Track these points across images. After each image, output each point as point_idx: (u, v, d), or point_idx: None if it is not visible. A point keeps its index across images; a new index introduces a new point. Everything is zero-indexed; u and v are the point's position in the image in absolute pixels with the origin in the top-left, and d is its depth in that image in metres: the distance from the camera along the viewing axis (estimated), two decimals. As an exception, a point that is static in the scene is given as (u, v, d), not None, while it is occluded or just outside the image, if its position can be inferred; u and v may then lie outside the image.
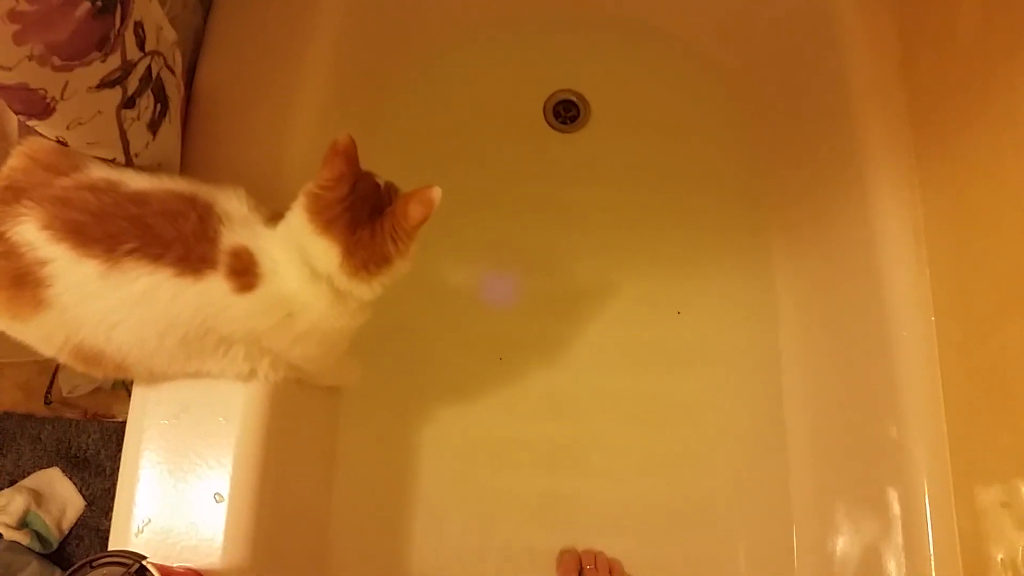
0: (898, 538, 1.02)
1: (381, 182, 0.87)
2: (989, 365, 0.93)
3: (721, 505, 1.29)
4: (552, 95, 1.47)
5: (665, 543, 1.27)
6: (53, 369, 1.43)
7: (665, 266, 1.39)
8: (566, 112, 1.47)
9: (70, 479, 1.38)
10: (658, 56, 1.49)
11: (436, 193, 0.84)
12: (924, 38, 1.08)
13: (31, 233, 0.77)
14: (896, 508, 1.02)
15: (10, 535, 1.30)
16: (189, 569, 0.86)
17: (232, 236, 0.82)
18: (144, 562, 0.72)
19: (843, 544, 1.15)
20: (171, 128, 0.90)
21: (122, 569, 0.72)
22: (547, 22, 1.50)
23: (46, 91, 0.68)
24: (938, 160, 1.04)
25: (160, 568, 0.73)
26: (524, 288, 1.38)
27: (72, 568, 0.72)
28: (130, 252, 0.78)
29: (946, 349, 1.00)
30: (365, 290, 0.86)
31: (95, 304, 0.79)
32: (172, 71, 0.88)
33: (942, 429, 0.99)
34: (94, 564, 0.72)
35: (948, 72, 1.03)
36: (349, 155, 0.83)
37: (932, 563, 0.96)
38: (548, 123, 1.46)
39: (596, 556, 1.23)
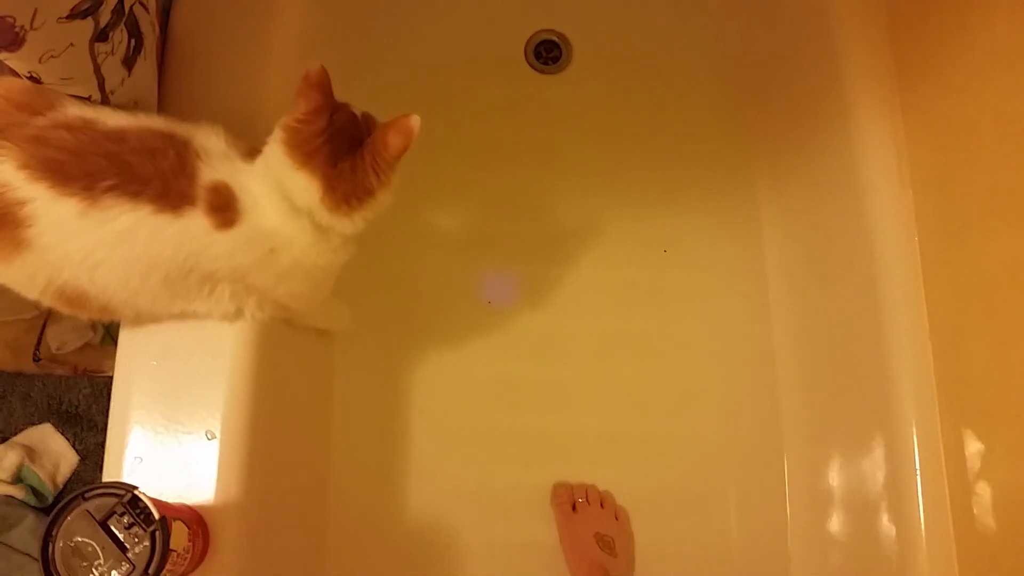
0: (886, 470, 1.03)
1: (358, 112, 0.86)
2: (972, 280, 0.94)
3: (712, 439, 1.31)
4: (533, 35, 1.46)
5: (656, 476, 1.29)
6: (41, 326, 1.42)
7: (650, 205, 1.40)
8: (548, 53, 1.45)
9: (62, 435, 1.39)
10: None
11: (415, 121, 0.83)
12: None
13: (8, 173, 0.76)
14: (883, 438, 1.04)
15: (5, 490, 1.30)
16: (183, 504, 0.87)
17: (210, 172, 0.82)
18: (136, 491, 0.72)
19: (833, 476, 1.17)
20: (146, 65, 0.89)
21: (114, 499, 0.72)
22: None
23: (15, 18, 0.66)
24: (919, 79, 1.04)
25: (153, 500, 0.73)
26: (510, 231, 1.38)
27: (65, 500, 0.73)
28: (109, 189, 0.77)
29: (929, 268, 1.01)
30: (347, 224, 0.86)
31: (76, 243, 0.79)
32: (145, 8, 0.87)
33: (927, 353, 1.00)
34: (86, 496, 0.73)
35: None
36: (323, 86, 0.82)
37: (919, 492, 0.98)
38: (529, 64, 1.45)
39: (588, 489, 1.26)
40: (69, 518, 0.72)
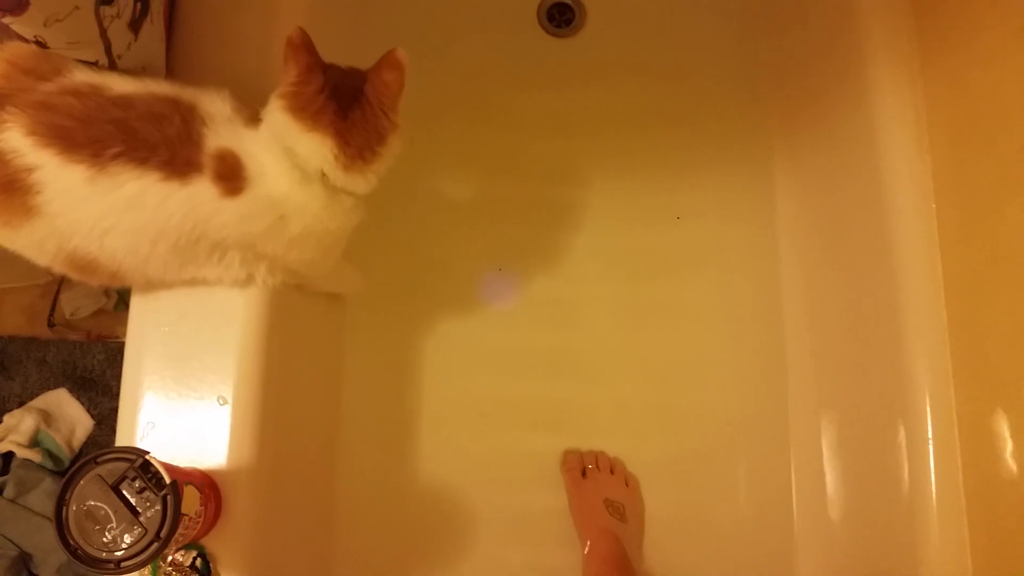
0: (897, 442, 1.02)
1: (345, 68, 0.85)
2: (990, 250, 0.92)
3: (721, 408, 1.30)
4: (546, -3, 1.44)
5: (665, 443, 1.29)
6: (55, 292, 1.43)
7: (664, 172, 1.38)
8: (560, 15, 1.43)
9: (77, 399, 1.40)
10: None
11: (402, 54, 0.83)
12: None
13: (16, 140, 0.76)
14: (895, 410, 1.02)
15: (23, 453, 1.32)
16: (195, 468, 0.87)
17: (216, 139, 0.81)
18: (147, 456, 0.73)
19: (842, 447, 1.17)
20: (153, 29, 0.88)
21: (126, 464, 0.73)
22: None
23: (18, -18, 0.66)
24: (939, 45, 1.01)
25: (165, 465, 0.74)
26: (520, 195, 1.37)
27: (77, 464, 0.73)
28: (116, 156, 0.77)
29: (947, 236, 0.99)
30: (360, 183, 0.86)
31: (85, 210, 0.79)
32: (151, -30, 0.86)
33: (943, 322, 0.98)
34: (98, 460, 0.73)
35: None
36: (308, 46, 0.82)
37: (932, 469, 0.97)
38: (542, 27, 1.43)
39: (598, 456, 1.26)
40: (82, 482, 0.73)
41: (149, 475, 0.73)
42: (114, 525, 0.72)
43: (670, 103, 1.41)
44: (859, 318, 1.12)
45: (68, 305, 1.42)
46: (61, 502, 0.72)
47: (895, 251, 1.02)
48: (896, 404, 1.02)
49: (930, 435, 0.97)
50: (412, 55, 0.84)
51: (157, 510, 0.72)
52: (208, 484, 0.86)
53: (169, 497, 0.72)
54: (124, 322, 1.42)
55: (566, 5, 1.43)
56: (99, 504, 0.72)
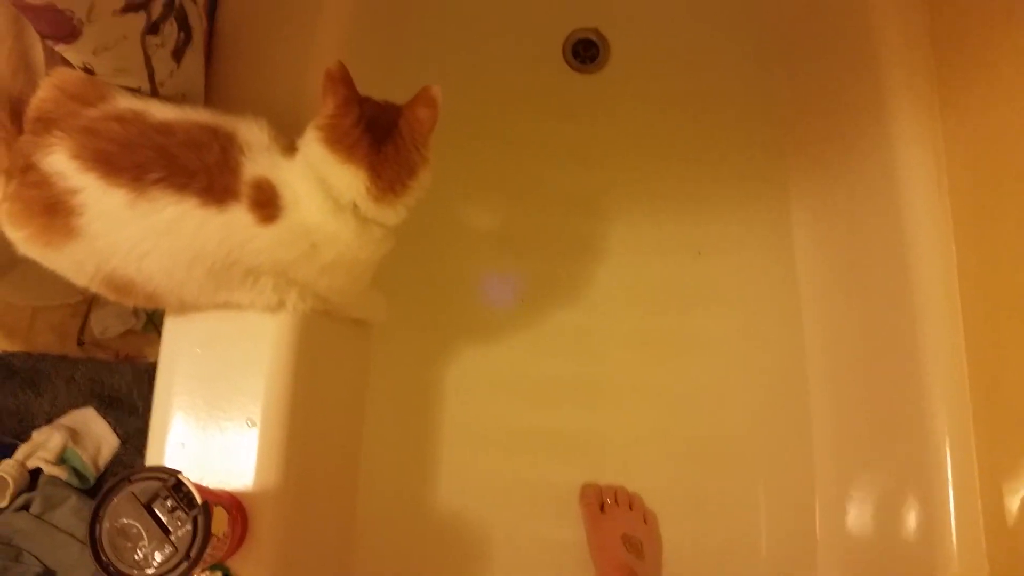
0: (917, 491, 1.02)
1: (380, 101, 0.88)
2: (1010, 292, 0.92)
3: (741, 444, 1.30)
4: (572, 33, 1.46)
5: (685, 480, 1.29)
6: (85, 311, 1.46)
7: (685, 207, 1.39)
8: (585, 51, 1.45)
9: (104, 418, 1.42)
10: (681, -6, 1.46)
11: (436, 91, 0.86)
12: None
13: (62, 163, 0.78)
14: (914, 454, 1.02)
15: (50, 470, 1.33)
16: (223, 490, 0.88)
17: (253, 167, 0.84)
18: (180, 476, 0.74)
19: (863, 483, 1.16)
20: (194, 57, 0.91)
21: (159, 483, 0.74)
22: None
23: (72, 12, 0.68)
24: (960, 84, 1.02)
25: (195, 485, 0.75)
26: (543, 227, 1.39)
27: (112, 482, 0.75)
28: (156, 182, 0.79)
29: (966, 278, 0.99)
30: (390, 214, 0.88)
31: (124, 233, 0.81)
32: (194, 0, 0.89)
33: (962, 367, 0.98)
34: (132, 479, 0.75)
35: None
36: (346, 79, 0.84)
37: (952, 513, 0.97)
38: (567, 62, 1.45)
39: (617, 491, 1.26)
40: (116, 500, 0.74)
41: (181, 495, 0.75)
42: (145, 543, 0.73)
43: (691, 138, 1.43)
44: (878, 358, 1.12)
45: (98, 324, 1.45)
46: (95, 518, 0.74)
47: (914, 293, 1.02)
48: (916, 441, 1.02)
49: (950, 479, 0.97)
50: (443, 84, 0.86)
51: (188, 530, 0.74)
52: (236, 506, 0.87)
53: (200, 517, 0.74)
54: (152, 343, 1.46)
55: (591, 42, 1.45)
56: (132, 522, 0.74)
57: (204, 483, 0.89)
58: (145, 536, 0.73)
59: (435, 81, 0.87)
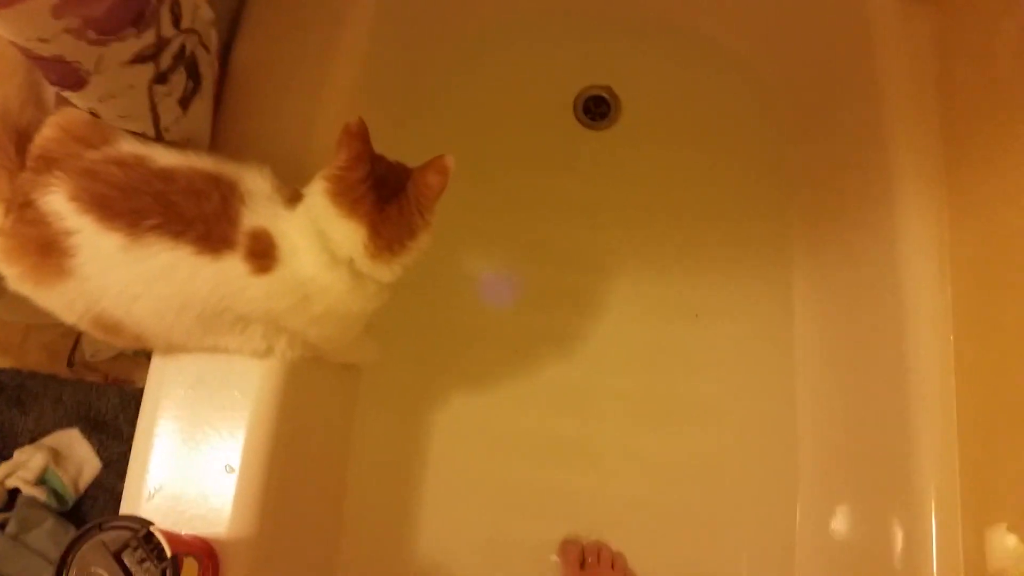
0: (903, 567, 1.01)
1: (393, 161, 0.88)
2: (1006, 388, 0.92)
3: (727, 513, 1.29)
4: (583, 90, 1.47)
5: (669, 544, 1.28)
6: (77, 333, 1.46)
7: (687, 269, 1.39)
8: (596, 108, 1.46)
9: (88, 441, 1.41)
10: (693, 57, 1.47)
11: (450, 161, 0.86)
12: (962, 54, 1.06)
13: (60, 204, 0.79)
14: (901, 543, 1.02)
15: (28, 491, 1.33)
16: (196, 536, 0.88)
17: (253, 217, 0.84)
18: (151, 528, 0.74)
19: (846, 560, 1.15)
20: (202, 104, 0.91)
21: (130, 533, 0.74)
22: (581, 18, 1.49)
23: (80, 63, 0.69)
24: (968, 179, 1.03)
25: (167, 535, 0.75)
26: (544, 282, 1.39)
27: (82, 530, 0.74)
28: (152, 228, 0.79)
29: (963, 371, 0.99)
30: (386, 272, 0.87)
31: (116, 276, 0.81)
32: (207, 49, 0.89)
33: (954, 456, 0.98)
34: (103, 527, 0.74)
35: (984, 91, 1.02)
36: (363, 135, 0.84)
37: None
38: (578, 119, 1.46)
39: (600, 549, 1.25)
40: (84, 547, 0.74)
41: (151, 546, 0.74)
42: (112, 593, 0.73)
43: (697, 202, 1.43)
44: (870, 438, 1.12)
45: (89, 346, 1.45)
46: (63, 565, 0.73)
47: (910, 380, 1.02)
48: (904, 530, 1.01)
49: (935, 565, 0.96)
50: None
51: (155, 583, 0.73)
52: (208, 553, 0.86)
53: (168, 570, 0.73)
54: (141, 367, 1.45)
55: (602, 99, 1.46)
56: (99, 571, 0.73)
57: (178, 527, 0.89)
58: (112, 586, 0.73)
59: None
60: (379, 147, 0.87)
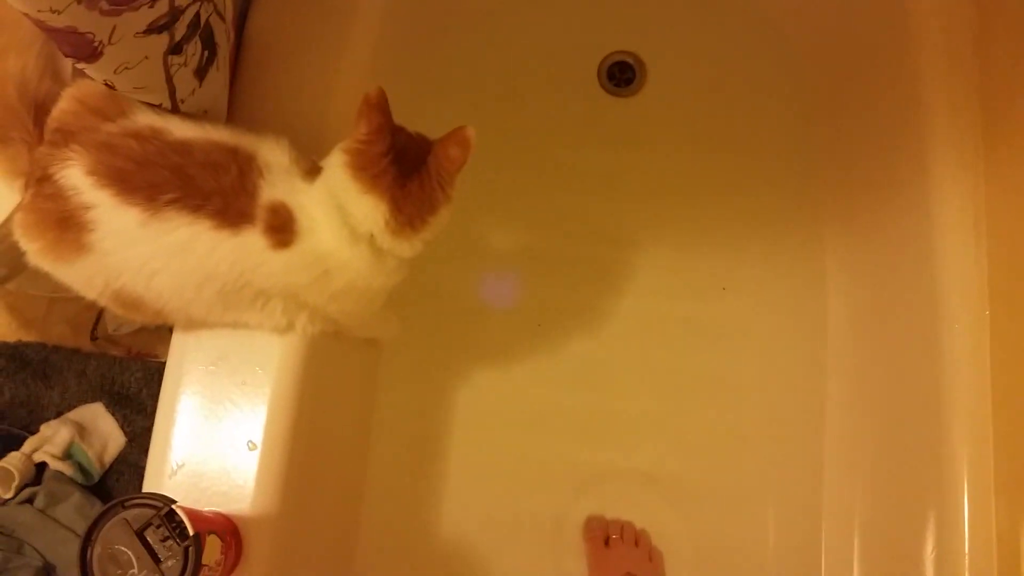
0: (932, 546, 0.99)
1: (413, 133, 0.86)
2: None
3: (753, 490, 1.28)
4: (608, 56, 1.43)
5: (693, 521, 1.26)
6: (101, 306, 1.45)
7: (713, 240, 1.36)
8: (621, 74, 1.43)
9: (112, 415, 1.41)
10: (721, 22, 1.42)
11: (471, 133, 0.84)
12: (1002, 17, 1.02)
13: (77, 178, 0.78)
14: (932, 524, 0.99)
15: (55, 465, 1.33)
16: (218, 514, 0.88)
17: (271, 191, 0.82)
18: (173, 506, 0.73)
19: (872, 539, 1.14)
20: (218, 75, 0.89)
21: (152, 511, 0.73)
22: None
23: (94, 35, 0.68)
24: (1006, 147, 0.99)
25: (189, 512, 0.74)
26: (568, 255, 1.36)
27: (106, 507, 0.74)
28: (170, 202, 0.78)
29: (998, 348, 0.96)
30: (406, 248, 0.86)
31: (135, 251, 0.80)
32: (222, 17, 0.87)
33: (988, 437, 0.95)
34: (126, 504, 0.74)
35: (1025, 54, 0.98)
36: (383, 107, 0.82)
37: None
38: (602, 85, 1.42)
39: (623, 526, 1.24)
40: (108, 525, 0.73)
41: (174, 524, 0.74)
42: (135, 571, 0.73)
43: (724, 173, 1.39)
44: (901, 415, 1.09)
45: (112, 320, 1.44)
46: (87, 542, 0.73)
47: (943, 357, 0.99)
48: (932, 504, 0.99)
49: (967, 542, 0.94)
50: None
51: (178, 560, 0.73)
52: (230, 531, 0.86)
53: (191, 549, 0.73)
54: (164, 341, 1.44)
55: (627, 64, 1.43)
56: (123, 548, 0.73)
57: (200, 504, 0.89)
58: (135, 564, 0.73)
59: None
60: (397, 117, 0.84)
